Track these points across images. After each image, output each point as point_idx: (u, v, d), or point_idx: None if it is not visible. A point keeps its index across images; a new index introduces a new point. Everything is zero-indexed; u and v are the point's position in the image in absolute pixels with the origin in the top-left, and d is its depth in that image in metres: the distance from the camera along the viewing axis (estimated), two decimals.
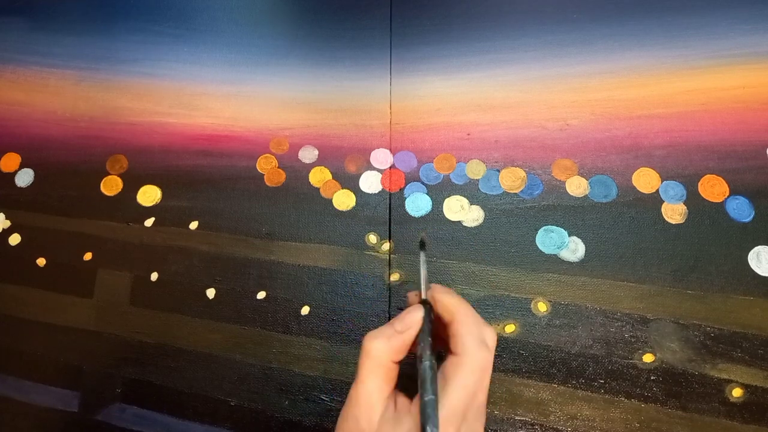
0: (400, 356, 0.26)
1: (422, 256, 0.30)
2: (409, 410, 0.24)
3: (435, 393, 0.23)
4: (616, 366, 0.36)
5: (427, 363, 0.24)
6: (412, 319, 0.26)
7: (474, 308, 0.38)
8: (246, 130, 0.47)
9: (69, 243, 0.44)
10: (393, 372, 0.26)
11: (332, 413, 0.37)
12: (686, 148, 0.42)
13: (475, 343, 0.24)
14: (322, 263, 0.41)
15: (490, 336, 0.26)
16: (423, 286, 0.29)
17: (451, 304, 0.27)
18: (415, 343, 0.26)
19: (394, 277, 0.40)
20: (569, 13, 0.47)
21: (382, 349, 0.25)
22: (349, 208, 0.43)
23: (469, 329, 0.25)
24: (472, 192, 0.42)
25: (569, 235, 0.40)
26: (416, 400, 0.24)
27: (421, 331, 0.26)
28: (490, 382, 0.37)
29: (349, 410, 0.25)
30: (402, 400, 0.25)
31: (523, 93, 0.45)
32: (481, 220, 0.41)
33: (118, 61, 0.51)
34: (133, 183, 0.46)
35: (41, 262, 0.44)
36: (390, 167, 0.44)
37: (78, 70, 0.51)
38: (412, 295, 0.31)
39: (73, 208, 0.46)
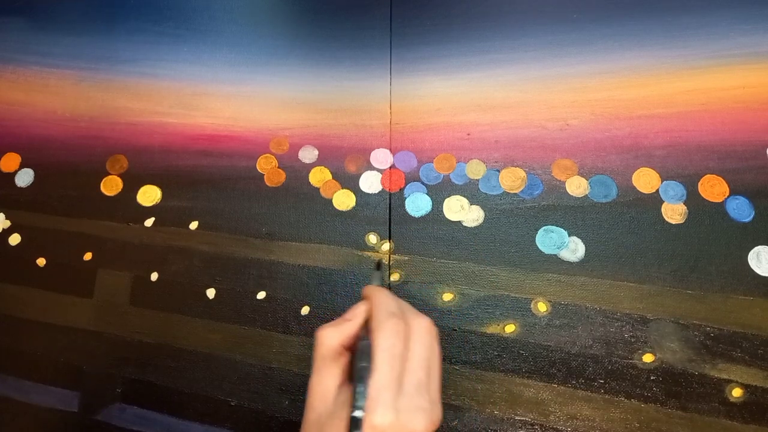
0: (350, 342, 0.27)
1: (377, 274, 0.34)
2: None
3: (369, 363, 0.24)
4: (616, 366, 0.36)
5: (365, 341, 0.25)
6: (359, 308, 0.28)
7: (474, 308, 0.39)
8: (246, 130, 0.47)
9: (69, 243, 0.44)
10: (344, 359, 0.27)
11: None
12: (686, 148, 0.42)
13: (384, 314, 0.26)
14: (322, 263, 0.41)
15: (408, 310, 0.27)
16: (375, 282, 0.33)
17: (368, 290, 0.29)
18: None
19: (394, 277, 0.40)
20: (569, 13, 0.47)
21: (332, 335, 0.27)
22: (349, 208, 0.43)
23: (378, 306, 0.27)
24: (472, 192, 0.42)
25: (569, 235, 0.40)
26: None
27: (365, 321, 0.28)
28: (491, 382, 0.37)
29: (308, 400, 0.26)
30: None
31: (523, 93, 0.45)
32: (481, 220, 0.41)
33: (118, 61, 0.51)
34: (133, 183, 0.46)
35: (41, 262, 0.44)
36: (390, 167, 0.44)
37: (78, 70, 0.51)
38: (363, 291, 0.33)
39: (73, 208, 0.46)
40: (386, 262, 0.40)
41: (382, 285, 0.35)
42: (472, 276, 0.40)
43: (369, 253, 0.41)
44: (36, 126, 0.49)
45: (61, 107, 0.50)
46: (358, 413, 0.22)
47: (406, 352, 0.25)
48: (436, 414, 0.25)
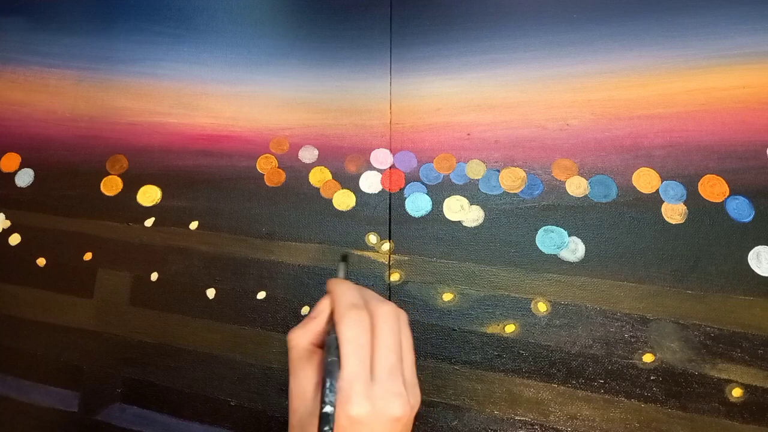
0: (318, 339, 0.27)
1: (342, 266, 0.34)
2: None
3: (337, 356, 0.24)
4: (616, 366, 0.36)
5: (332, 336, 0.25)
6: (322, 304, 0.28)
7: (474, 308, 0.38)
8: (246, 130, 0.47)
9: (69, 243, 0.44)
10: (317, 357, 0.27)
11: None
12: (686, 148, 0.42)
13: (345, 306, 0.26)
14: (322, 263, 0.41)
15: (372, 299, 0.27)
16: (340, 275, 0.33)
17: (330, 283, 0.29)
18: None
19: (394, 277, 0.40)
20: (569, 13, 0.47)
21: (301, 335, 0.27)
22: (349, 208, 0.43)
23: (338, 298, 0.27)
24: (472, 192, 0.42)
25: (569, 235, 0.40)
26: None
27: (330, 316, 0.28)
28: (491, 382, 0.37)
29: (290, 405, 0.26)
30: None
31: (523, 93, 0.45)
32: (481, 220, 0.41)
33: (118, 61, 0.51)
34: (133, 183, 0.46)
35: (41, 262, 0.44)
36: (390, 167, 0.44)
37: (78, 70, 0.51)
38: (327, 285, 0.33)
39: (73, 208, 0.46)
40: (349, 255, 0.40)
41: (346, 277, 0.35)
42: (472, 276, 0.40)
43: (369, 253, 0.41)
44: (36, 126, 0.49)
45: (61, 107, 0.50)
46: (327, 408, 0.22)
47: (374, 339, 0.25)
48: (414, 397, 0.25)
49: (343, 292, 0.27)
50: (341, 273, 0.34)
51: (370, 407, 0.23)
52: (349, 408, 0.23)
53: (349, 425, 0.23)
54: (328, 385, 0.23)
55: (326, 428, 0.22)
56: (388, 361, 0.24)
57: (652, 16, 0.46)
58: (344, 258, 0.36)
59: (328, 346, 0.25)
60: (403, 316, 0.27)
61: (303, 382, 0.26)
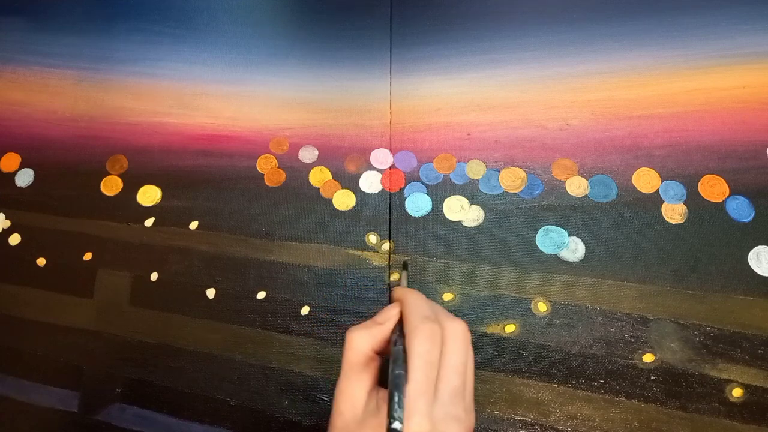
0: (381, 346, 0.26)
1: (404, 274, 0.34)
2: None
3: (404, 370, 0.23)
4: (616, 366, 0.36)
5: (399, 347, 0.25)
6: (391, 311, 0.27)
7: (474, 308, 0.39)
8: (246, 130, 0.47)
9: (69, 243, 0.44)
10: (374, 364, 0.26)
11: None
12: (686, 148, 0.42)
13: (418, 318, 0.25)
14: (322, 263, 0.41)
15: (441, 313, 0.27)
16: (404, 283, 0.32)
17: (399, 292, 0.28)
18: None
19: (394, 277, 0.40)
20: (569, 13, 0.47)
21: (363, 339, 0.26)
22: (349, 208, 0.43)
23: (412, 309, 0.26)
24: (472, 192, 0.42)
25: (569, 235, 0.40)
26: None
27: (397, 325, 0.27)
28: (491, 382, 0.37)
29: (335, 405, 0.25)
30: (384, 393, 0.25)
31: (523, 93, 0.45)
32: (481, 220, 0.41)
33: (118, 61, 0.51)
34: (133, 183, 0.46)
35: (41, 262, 0.44)
36: (390, 167, 0.44)
37: (78, 70, 0.51)
38: (393, 293, 0.32)
39: (73, 208, 0.46)
40: (410, 262, 0.40)
41: (409, 285, 0.34)
42: (472, 276, 0.40)
43: (369, 253, 0.41)
44: (36, 126, 0.49)
45: (61, 107, 0.50)
46: (396, 425, 0.21)
47: (441, 357, 0.24)
48: (470, 422, 0.24)
49: (417, 304, 0.27)
50: (405, 281, 0.33)
51: (429, 427, 0.22)
52: (408, 425, 0.22)
53: None
54: (396, 399, 0.22)
55: None
56: (452, 383, 0.24)
57: (652, 16, 0.46)
58: (405, 266, 0.35)
59: (395, 358, 0.24)
60: (469, 336, 0.26)
61: (356, 386, 0.25)
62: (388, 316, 0.27)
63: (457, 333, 0.25)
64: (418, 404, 0.23)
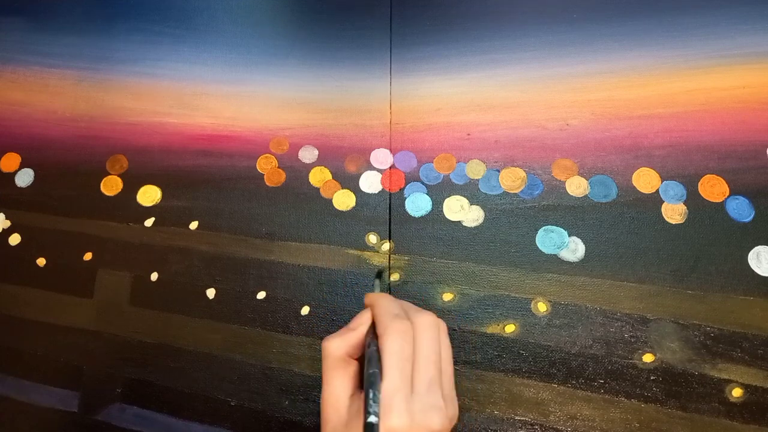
0: (356, 351, 0.27)
1: (377, 282, 0.35)
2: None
3: (379, 368, 0.24)
4: (616, 366, 0.36)
5: (373, 348, 0.25)
6: (363, 317, 0.28)
7: (474, 308, 0.39)
8: (246, 130, 0.47)
9: (69, 243, 0.44)
10: (353, 368, 0.27)
11: None
12: (686, 148, 0.42)
13: (388, 317, 0.26)
14: (322, 263, 0.41)
15: (411, 309, 0.28)
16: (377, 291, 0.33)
17: (369, 297, 0.29)
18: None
19: (394, 277, 0.40)
20: (569, 13, 0.47)
21: (338, 345, 0.27)
22: (349, 208, 0.43)
23: (382, 310, 0.27)
24: (472, 192, 0.42)
25: (569, 235, 0.40)
26: None
27: (370, 328, 0.28)
28: (491, 382, 0.37)
29: (322, 414, 0.26)
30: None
31: (523, 93, 0.45)
32: (481, 220, 0.41)
33: (118, 61, 0.51)
34: (133, 183, 0.46)
35: (41, 262, 0.44)
36: (390, 167, 0.44)
37: (78, 70, 0.51)
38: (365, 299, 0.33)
39: (73, 208, 0.46)
40: (388, 270, 0.40)
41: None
42: (472, 276, 0.40)
43: (369, 253, 0.41)
44: (36, 126, 0.49)
45: (61, 107, 0.50)
46: (372, 419, 0.22)
47: (414, 351, 0.25)
48: (452, 410, 0.24)
49: (386, 305, 0.27)
50: (377, 289, 0.34)
51: (409, 421, 0.23)
52: (388, 421, 0.23)
53: None
54: (371, 396, 0.23)
55: None
56: (427, 374, 0.24)
57: (652, 16, 0.46)
58: (379, 274, 0.36)
59: (369, 358, 0.25)
60: (443, 326, 0.27)
61: (337, 391, 0.26)
62: (361, 321, 0.28)
63: (427, 325, 0.26)
64: (395, 400, 0.23)
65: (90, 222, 0.45)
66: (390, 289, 0.40)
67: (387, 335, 0.25)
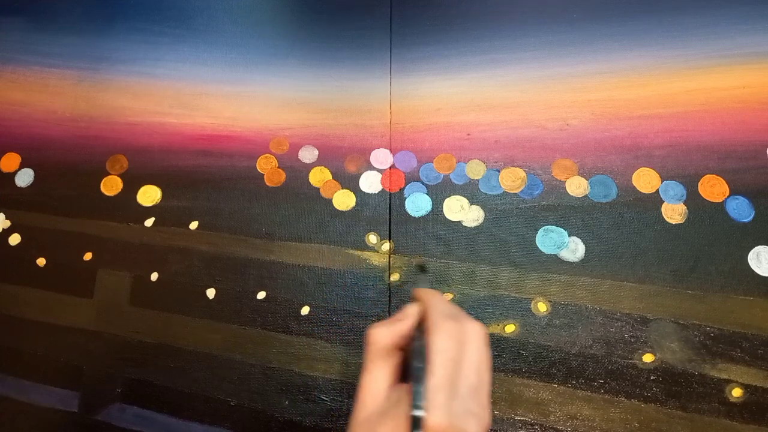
0: (401, 342, 0.27)
1: (424, 277, 0.35)
2: (410, 391, 0.25)
3: (425, 364, 0.24)
4: (616, 366, 0.36)
5: (420, 342, 0.26)
6: (411, 310, 0.28)
7: (474, 308, 0.39)
8: (246, 130, 0.47)
9: (69, 243, 0.44)
10: (395, 359, 0.27)
11: (332, 413, 0.37)
12: (686, 148, 0.42)
13: (440, 316, 0.26)
14: (322, 263, 0.41)
15: (461, 314, 0.28)
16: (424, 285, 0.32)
17: (421, 293, 0.29)
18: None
19: (394, 277, 0.40)
20: (569, 13, 0.47)
21: (384, 334, 0.27)
22: (349, 208, 0.43)
23: (434, 308, 0.27)
24: (472, 192, 0.42)
25: (569, 235, 0.40)
26: None
27: (417, 322, 0.28)
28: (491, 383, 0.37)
29: (358, 398, 0.26)
30: (405, 388, 0.26)
31: (523, 93, 0.45)
32: (481, 220, 0.41)
33: (118, 61, 0.51)
34: (133, 183, 0.46)
35: (41, 262, 0.44)
36: (390, 167, 0.44)
37: (78, 70, 0.51)
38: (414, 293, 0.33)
39: (73, 208, 0.46)
40: (428, 266, 0.40)
41: (431, 287, 0.35)
42: (472, 276, 0.40)
43: (369, 253, 0.41)
44: (36, 126, 0.49)
45: (61, 107, 0.50)
46: (419, 413, 0.22)
47: (461, 355, 0.25)
48: (486, 419, 0.25)
49: (438, 303, 0.28)
50: (423, 284, 0.34)
51: (448, 422, 0.23)
52: (428, 417, 0.23)
53: None
54: (417, 390, 0.23)
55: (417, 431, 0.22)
56: (470, 380, 0.24)
57: (652, 16, 0.46)
58: (423, 269, 0.36)
59: (417, 352, 0.25)
60: (486, 337, 0.27)
61: (378, 379, 0.26)
62: (408, 314, 0.28)
63: (477, 333, 0.26)
64: (438, 397, 0.23)
65: (90, 222, 0.45)
66: (389, 286, 0.40)
67: (437, 333, 0.25)
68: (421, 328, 0.27)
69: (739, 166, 0.41)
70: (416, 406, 0.22)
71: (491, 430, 0.36)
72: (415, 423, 0.22)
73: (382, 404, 0.25)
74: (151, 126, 0.48)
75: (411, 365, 0.25)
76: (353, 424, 0.26)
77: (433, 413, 0.23)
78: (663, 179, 0.41)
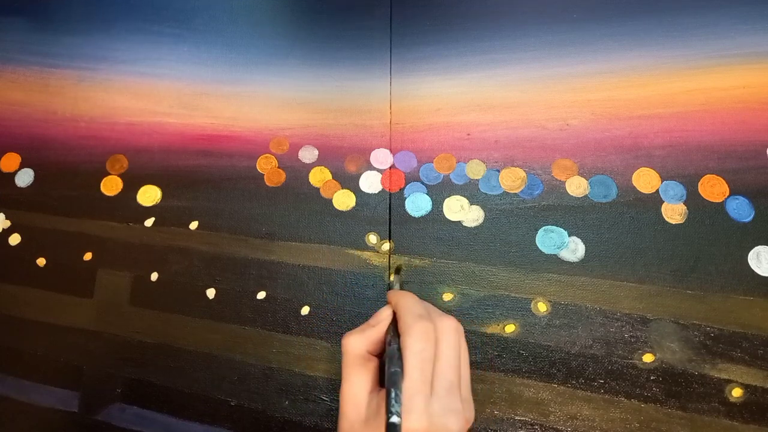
0: (376, 347, 0.27)
1: (397, 278, 0.35)
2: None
3: (400, 367, 0.24)
4: (616, 366, 0.36)
5: (394, 346, 0.25)
6: (383, 314, 0.28)
7: (474, 308, 0.39)
8: (246, 130, 0.47)
9: (69, 243, 0.44)
10: (372, 365, 0.27)
11: (332, 413, 0.37)
12: (686, 148, 0.42)
13: (412, 317, 0.26)
14: (322, 263, 0.41)
15: (433, 311, 0.28)
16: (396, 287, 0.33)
17: (393, 294, 0.29)
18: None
19: (394, 277, 0.40)
20: (569, 13, 0.47)
21: (358, 342, 0.27)
22: (349, 208, 0.43)
23: (405, 309, 0.27)
24: (472, 192, 0.42)
25: (569, 235, 0.40)
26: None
27: (391, 325, 0.28)
28: (491, 382, 0.37)
29: (341, 409, 0.26)
30: (384, 393, 0.26)
31: (523, 93, 0.45)
32: (481, 220, 0.41)
33: (118, 61, 0.51)
34: (133, 183, 0.46)
35: (41, 262, 0.44)
36: (390, 167, 0.44)
37: (78, 70, 0.51)
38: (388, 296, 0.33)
39: (73, 208, 0.46)
40: (403, 267, 0.40)
41: (402, 287, 0.35)
42: (472, 276, 0.40)
43: (369, 253, 0.41)
44: (36, 126, 0.49)
45: (61, 107, 0.50)
46: (395, 419, 0.22)
47: (436, 354, 0.25)
48: (468, 413, 0.25)
49: (410, 304, 0.27)
50: (398, 285, 0.34)
51: (427, 423, 0.23)
52: (407, 422, 0.23)
53: None
54: (393, 395, 0.23)
55: None
56: (447, 377, 0.24)
57: (652, 16, 0.46)
58: (398, 270, 0.36)
59: (391, 357, 0.25)
60: (461, 331, 0.27)
61: (356, 387, 0.26)
62: (381, 318, 0.28)
63: (448, 328, 0.26)
64: (415, 401, 0.23)
65: (90, 222, 0.45)
66: (388, 285, 0.40)
67: (410, 335, 0.25)
68: (394, 332, 0.27)
69: (739, 166, 0.41)
70: (391, 413, 0.22)
71: (491, 430, 0.36)
72: (392, 429, 0.22)
73: (363, 412, 0.25)
74: (151, 126, 0.48)
75: (386, 370, 0.24)
76: None
77: (410, 417, 0.23)
78: (663, 179, 0.41)
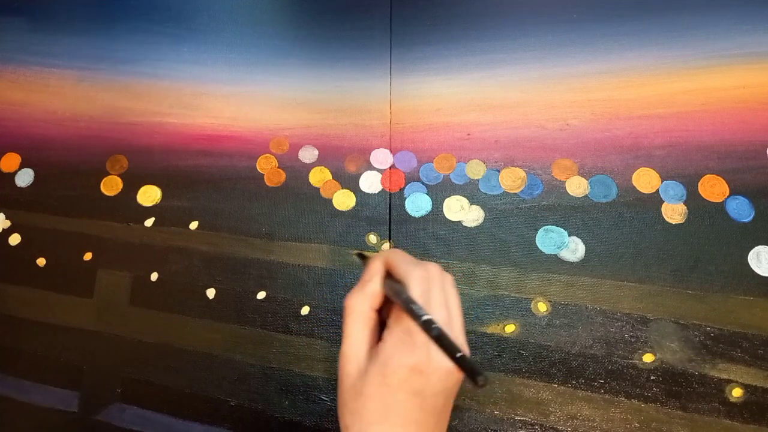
0: (377, 302, 0.28)
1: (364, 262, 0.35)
2: (385, 340, 0.26)
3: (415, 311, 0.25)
4: (616, 366, 0.36)
5: (404, 296, 0.26)
6: (373, 266, 0.29)
7: (474, 308, 0.39)
8: (246, 130, 0.47)
9: (69, 243, 0.44)
10: (373, 322, 0.28)
11: (332, 413, 0.37)
12: (686, 148, 0.42)
13: (409, 264, 0.28)
14: (322, 263, 0.41)
15: (418, 260, 0.29)
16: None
17: (381, 253, 0.30)
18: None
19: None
20: (569, 13, 0.47)
21: (360, 300, 0.27)
22: (349, 208, 0.43)
23: (400, 260, 0.28)
24: (472, 192, 0.42)
25: (569, 235, 0.40)
26: (393, 321, 0.26)
27: (386, 279, 0.29)
28: (491, 382, 0.37)
29: (341, 369, 0.26)
30: (387, 333, 0.27)
31: (523, 93, 0.45)
32: (481, 220, 0.41)
33: (119, 61, 0.51)
34: (133, 183, 0.46)
35: (41, 262, 0.44)
36: (390, 167, 0.44)
37: (78, 70, 0.51)
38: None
39: (73, 208, 0.46)
40: (367, 253, 0.40)
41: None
42: (472, 276, 0.40)
43: (369, 253, 0.41)
44: (36, 126, 0.49)
45: (61, 107, 0.50)
46: (426, 317, 0.24)
47: (430, 295, 0.26)
48: (464, 352, 0.25)
49: (402, 255, 0.29)
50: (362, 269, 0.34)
51: (426, 356, 0.24)
52: (408, 357, 0.24)
53: (408, 375, 0.24)
54: (415, 308, 0.24)
55: (434, 326, 0.23)
56: (440, 316, 0.25)
57: (652, 16, 0.46)
58: (362, 256, 0.36)
59: (409, 308, 0.26)
60: (447, 277, 0.28)
61: (358, 344, 0.26)
62: (372, 272, 0.29)
63: (436, 273, 0.28)
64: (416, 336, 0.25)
65: (90, 222, 0.45)
66: None
67: (411, 279, 0.26)
68: (390, 280, 0.28)
69: (739, 166, 0.41)
70: (421, 315, 0.24)
71: (491, 430, 0.36)
72: (428, 323, 0.23)
73: (363, 366, 0.26)
74: (151, 126, 0.48)
75: (408, 309, 0.25)
76: (340, 393, 0.26)
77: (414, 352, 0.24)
78: (663, 179, 0.41)
